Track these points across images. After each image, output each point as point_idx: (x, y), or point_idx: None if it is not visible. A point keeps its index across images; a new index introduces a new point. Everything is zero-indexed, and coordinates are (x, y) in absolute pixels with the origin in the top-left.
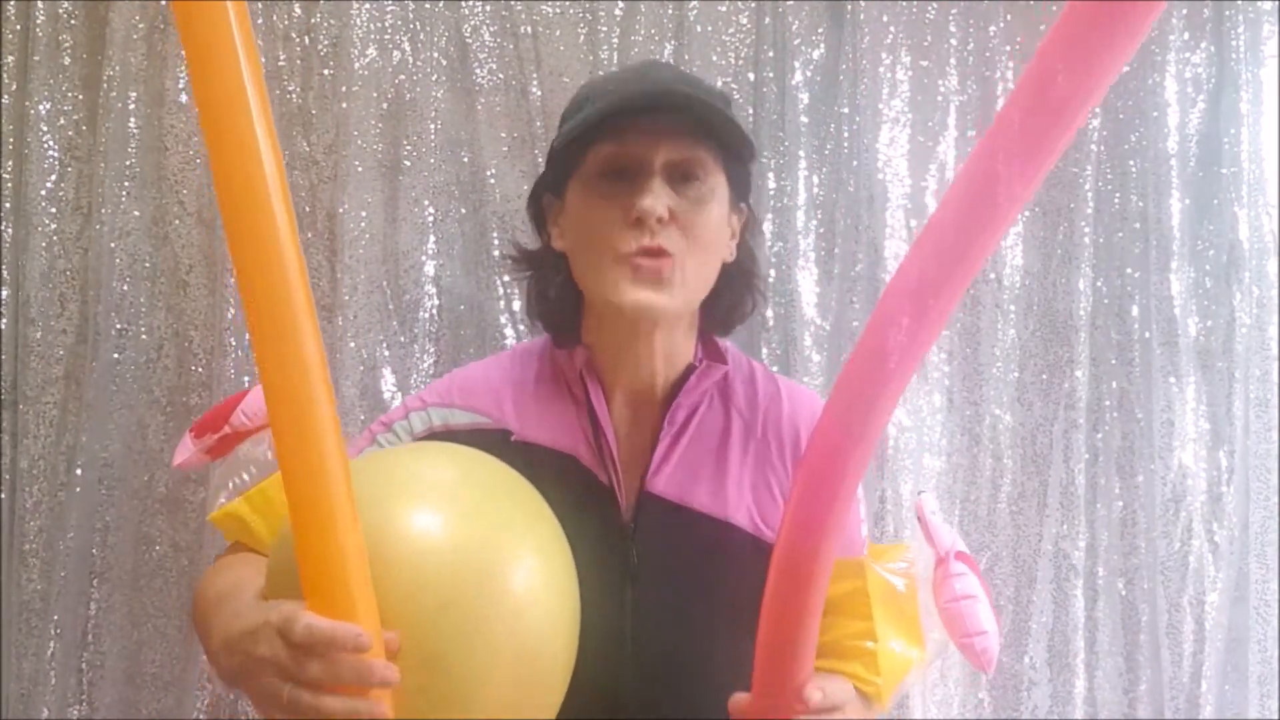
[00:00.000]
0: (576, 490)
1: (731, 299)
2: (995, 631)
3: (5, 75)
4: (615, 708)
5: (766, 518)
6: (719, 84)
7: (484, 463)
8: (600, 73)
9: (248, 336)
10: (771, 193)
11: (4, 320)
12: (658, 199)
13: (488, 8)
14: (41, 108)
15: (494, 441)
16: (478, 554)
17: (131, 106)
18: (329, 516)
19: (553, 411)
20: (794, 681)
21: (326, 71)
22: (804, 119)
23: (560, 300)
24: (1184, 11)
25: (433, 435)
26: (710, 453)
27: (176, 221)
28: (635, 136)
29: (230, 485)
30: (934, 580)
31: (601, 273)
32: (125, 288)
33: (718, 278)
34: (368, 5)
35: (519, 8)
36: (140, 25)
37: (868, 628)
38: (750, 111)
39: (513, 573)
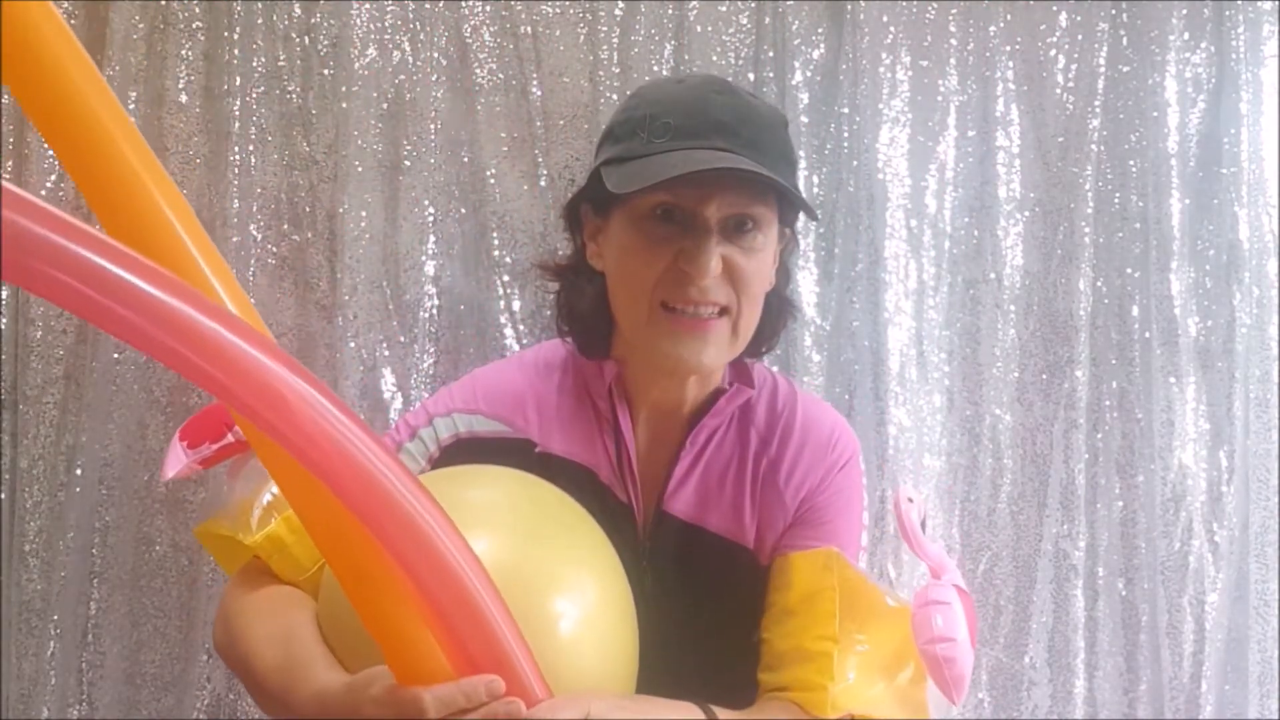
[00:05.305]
0: (594, 506)
1: (772, 328)
2: (966, 645)
3: None
4: None
5: (764, 538)
6: None
7: (529, 486)
8: (601, 73)
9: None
10: None
11: (4, 320)
12: (711, 257)
13: (488, 8)
14: None
15: (517, 451)
16: (533, 577)
17: (131, 106)
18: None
19: (576, 425)
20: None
21: (326, 71)
22: (804, 119)
23: (594, 316)
24: (1184, 11)
25: (458, 442)
26: (726, 474)
27: None
28: (690, 189)
29: (258, 503)
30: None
31: (642, 318)
32: None
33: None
34: (368, 5)
35: (519, 8)
36: (140, 25)
37: (833, 628)
38: None
39: (570, 595)
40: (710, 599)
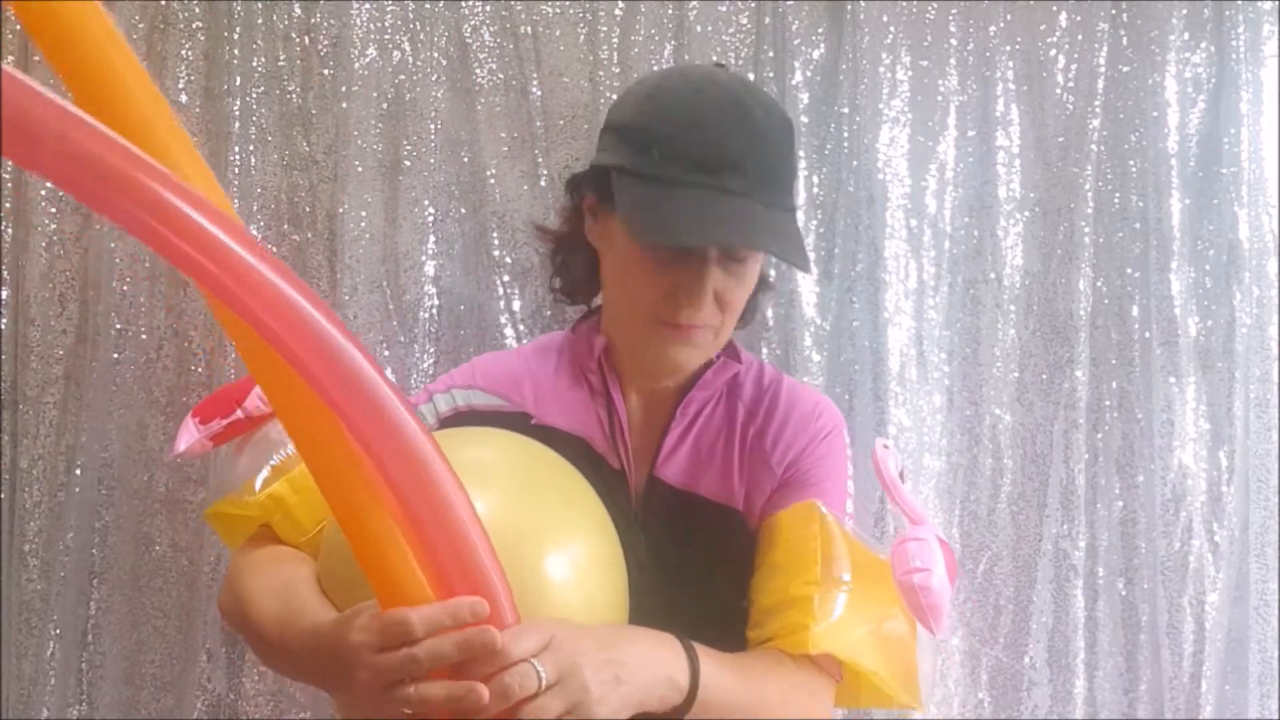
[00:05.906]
0: (588, 473)
1: (750, 312)
2: (943, 579)
3: None
4: None
5: (753, 500)
6: None
7: (523, 445)
8: (601, 73)
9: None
10: None
11: (4, 320)
12: (706, 293)
13: (488, 8)
14: None
15: (514, 423)
16: (526, 534)
17: None
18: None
19: (570, 398)
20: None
21: (326, 71)
22: (804, 119)
23: (586, 281)
24: (1184, 11)
25: (457, 414)
26: (715, 443)
27: None
28: None
29: (262, 469)
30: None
31: (637, 329)
32: (125, 288)
33: None
34: (368, 5)
35: (519, 8)
36: (140, 25)
37: (815, 573)
38: None
39: (560, 552)
40: (702, 561)
